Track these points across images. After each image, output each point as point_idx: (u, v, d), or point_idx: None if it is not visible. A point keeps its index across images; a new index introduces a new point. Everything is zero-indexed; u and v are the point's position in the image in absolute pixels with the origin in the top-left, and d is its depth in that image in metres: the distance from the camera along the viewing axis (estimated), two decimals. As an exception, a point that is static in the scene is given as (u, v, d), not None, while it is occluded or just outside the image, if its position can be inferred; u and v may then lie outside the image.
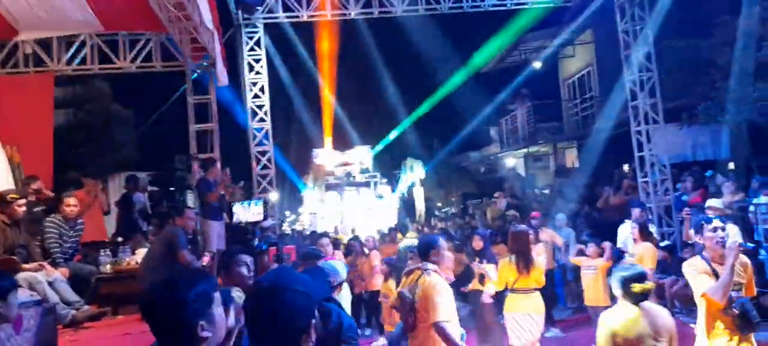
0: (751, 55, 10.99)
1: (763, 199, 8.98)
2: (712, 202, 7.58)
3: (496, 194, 15.42)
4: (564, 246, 9.86)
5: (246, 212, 3.91)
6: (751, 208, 9.17)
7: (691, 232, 7.65)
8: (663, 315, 3.88)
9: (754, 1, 11.16)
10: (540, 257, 6.61)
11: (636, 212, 8.63)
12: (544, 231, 9.40)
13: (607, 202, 11.86)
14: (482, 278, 7.19)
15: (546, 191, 17.24)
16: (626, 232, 8.40)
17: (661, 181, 11.74)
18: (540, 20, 14.62)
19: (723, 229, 4.30)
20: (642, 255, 7.14)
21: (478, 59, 17.39)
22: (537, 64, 18.81)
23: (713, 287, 4.07)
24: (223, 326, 2.17)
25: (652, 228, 8.60)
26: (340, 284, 4.87)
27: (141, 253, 6.93)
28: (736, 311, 4.05)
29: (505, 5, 12.06)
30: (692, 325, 8.04)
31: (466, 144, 19.68)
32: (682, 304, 9.18)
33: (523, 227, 6.77)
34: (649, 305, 3.86)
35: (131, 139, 18.06)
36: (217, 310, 2.14)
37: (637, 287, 3.75)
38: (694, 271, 4.22)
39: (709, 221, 4.35)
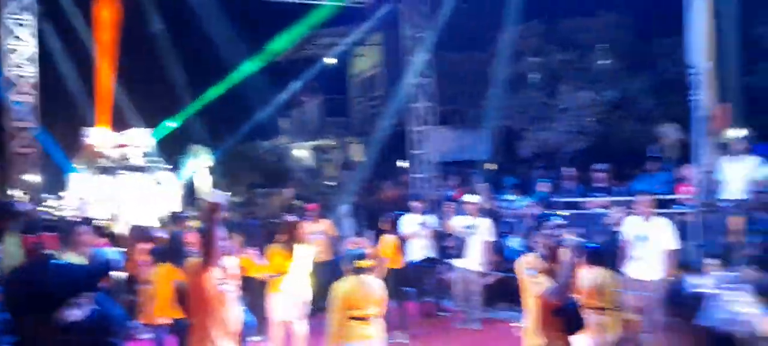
0: (510, 68, 12.55)
1: (511, 196, 10.35)
2: (469, 197, 8.52)
3: (289, 185, 15.58)
4: (341, 237, 10.31)
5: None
6: (503, 204, 10.53)
7: (451, 223, 8.62)
8: (376, 286, 4.87)
9: (515, 20, 12.76)
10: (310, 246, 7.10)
11: (414, 204, 9.37)
12: (321, 222, 9.71)
13: (384, 195, 12.69)
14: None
15: (332, 184, 17.82)
16: (408, 224, 9.03)
17: (432, 177, 12.92)
18: (334, 17, 15.03)
19: (561, 227, 4.29)
20: (383, 245, 7.96)
21: (272, 49, 17.36)
22: (329, 60, 19.33)
23: (552, 288, 3.99)
24: None
25: (430, 218, 9.30)
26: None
27: None
28: (568, 312, 4.01)
29: (299, -2, 12.25)
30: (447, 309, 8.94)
31: (256, 133, 19.53)
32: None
33: (293, 216, 7.36)
34: (368, 277, 4.84)
35: None
36: None
37: (358, 264, 4.82)
38: (533, 270, 4.14)
39: (548, 218, 4.38)
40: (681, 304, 1.89)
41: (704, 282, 1.86)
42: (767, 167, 8.28)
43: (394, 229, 8.08)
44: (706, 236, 7.79)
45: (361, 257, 4.91)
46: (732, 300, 1.69)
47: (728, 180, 8.17)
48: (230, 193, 19.49)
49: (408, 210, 9.48)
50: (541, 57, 12.52)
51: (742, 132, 8.88)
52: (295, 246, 6.82)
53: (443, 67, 13.74)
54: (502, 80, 12.52)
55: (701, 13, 8.06)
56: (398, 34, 13.68)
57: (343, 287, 4.84)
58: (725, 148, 8.42)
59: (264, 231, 10.05)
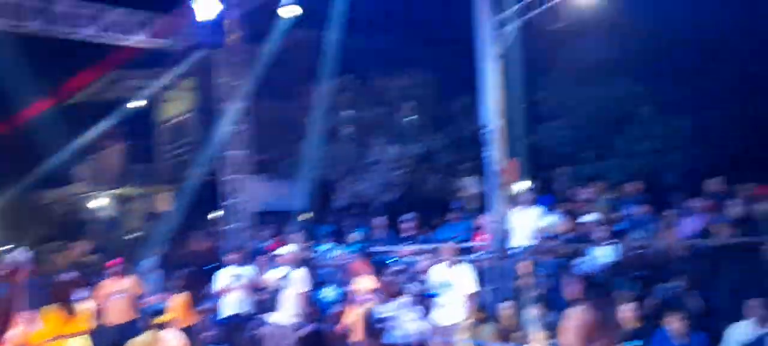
0: (325, 121, 12.86)
1: (326, 246, 10.49)
2: (285, 249, 8.46)
3: (84, 238, 14.19)
4: (147, 293, 9.58)
5: None
6: (318, 253, 10.61)
7: (265, 276, 8.47)
8: (174, 341, 5.08)
9: (330, 75, 13.16)
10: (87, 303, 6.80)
11: (229, 256, 9.02)
12: (124, 279, 8.89)
13: (195, 247, 12.13)
14: None
15: (136, 235, 16.61)
16: (223, 277, 8.63)
17: (245, 228, 12.62)
18: (142, 59, 14.22)
19: (402, 272, 4.40)
20: (173, 303, 7.69)
21: (68, 88, 15.91)
22: (134, 104, 18.19)
23: None
24: None
25: (246, 270, 8.96)
26: None
27: None
28: None
29: (102, 37, 11.45)
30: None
31: (46, 181, 17.58)
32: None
33: (70, 275, 7.11)
34: (167, 332, 5.02)
35: None
36: None
37: (156, 319, 5.02)
38: None
39: (390, 264, 4.29)
40: (372, 327, 2.42)
41: (386, 309, 2.42)
42: (549, 216, 9.35)
43: (188, 285, 7.78)
44: (500, 280, 8.54)
45: (159, 312, 5.04)
46: (405, 320, 2.35)
47: (517, 228, 9.06)
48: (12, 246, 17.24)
49: (220, 262, 9.12)
50: (354, 111, 13.05)
51: (528, 184, 9.98)
52: (74, 306, 6.36)
53: (259, 115, 13.64)
54: (317, 132, 12.77)
55: (492, 78, 9.01)
56: (211, 80, 13.34)
57: (138, 342, 4.96)
58: (514, 200, 9.37)
59: (51, 291, 8.99)
